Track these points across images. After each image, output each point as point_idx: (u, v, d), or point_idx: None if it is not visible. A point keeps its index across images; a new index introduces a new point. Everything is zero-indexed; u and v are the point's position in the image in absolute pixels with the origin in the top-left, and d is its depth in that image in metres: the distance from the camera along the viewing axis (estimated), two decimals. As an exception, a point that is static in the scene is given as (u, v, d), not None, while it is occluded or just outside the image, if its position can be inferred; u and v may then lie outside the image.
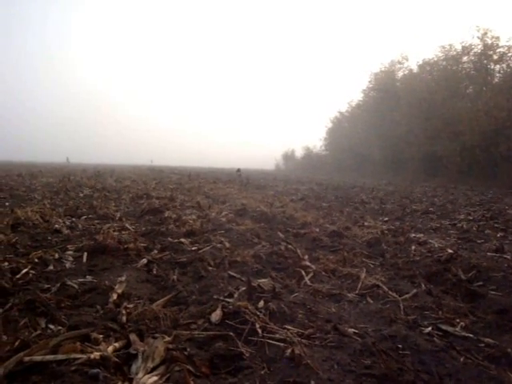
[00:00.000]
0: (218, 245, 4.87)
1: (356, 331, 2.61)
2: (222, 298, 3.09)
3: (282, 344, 2.34)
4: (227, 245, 4.90)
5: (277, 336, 2.45)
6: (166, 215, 7.15)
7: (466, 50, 31.72)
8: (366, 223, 7.55)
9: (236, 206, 9.52)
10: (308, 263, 4.30)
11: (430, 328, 2.78)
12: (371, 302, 3.33)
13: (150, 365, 2.04)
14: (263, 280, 3.52)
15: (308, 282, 3.72)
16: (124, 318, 2.63)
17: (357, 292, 3.53)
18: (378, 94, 44.09)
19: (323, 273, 4.09)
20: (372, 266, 4.53)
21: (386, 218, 8.59)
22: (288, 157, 70.09)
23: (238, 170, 24.25)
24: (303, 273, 3.93)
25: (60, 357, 2.06)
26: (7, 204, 8.44)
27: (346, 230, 6.54)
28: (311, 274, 3.96)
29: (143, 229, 6.06)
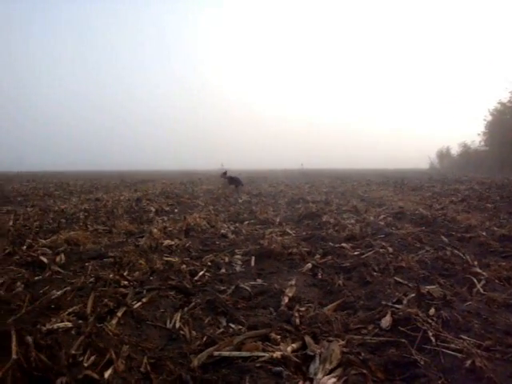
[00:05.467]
0: (381, 250, 4.82)
1: (542, 346, 2.42)
2: (390, 304, 3.08)
3: (458, 354, 2.27)
4: (390, 250, 4.83)
5: (452, 346, 2.38)
6: (324, 219, 7.27)
7: None
8: (541, 226, 6.83)
9: (393, 208, 9.28)
10: (479, 270, 4.05)
11: None
12: (556, 314, 3.04)
13: (328, 367, 2.14)
14: (431, 287, 3.42)
15: (481, 290, 3.50)
16: (297, 321, 2.78)
17: (538, 303, 3.25)
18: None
19: (496, 281, 3.81)
20: (553, 274, 4.11)
21: None
22: (443, 155, 65.91)
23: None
24: (474, 280, 3.72)
25: (244, 354, 2.27)
26: (176, 211, 9.34)
27: (518, 233, 6.00)
28: (483, 282, 3.71)
29: (303, 233, 6.25)
